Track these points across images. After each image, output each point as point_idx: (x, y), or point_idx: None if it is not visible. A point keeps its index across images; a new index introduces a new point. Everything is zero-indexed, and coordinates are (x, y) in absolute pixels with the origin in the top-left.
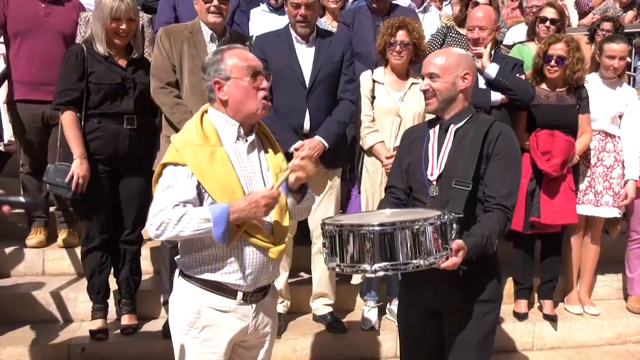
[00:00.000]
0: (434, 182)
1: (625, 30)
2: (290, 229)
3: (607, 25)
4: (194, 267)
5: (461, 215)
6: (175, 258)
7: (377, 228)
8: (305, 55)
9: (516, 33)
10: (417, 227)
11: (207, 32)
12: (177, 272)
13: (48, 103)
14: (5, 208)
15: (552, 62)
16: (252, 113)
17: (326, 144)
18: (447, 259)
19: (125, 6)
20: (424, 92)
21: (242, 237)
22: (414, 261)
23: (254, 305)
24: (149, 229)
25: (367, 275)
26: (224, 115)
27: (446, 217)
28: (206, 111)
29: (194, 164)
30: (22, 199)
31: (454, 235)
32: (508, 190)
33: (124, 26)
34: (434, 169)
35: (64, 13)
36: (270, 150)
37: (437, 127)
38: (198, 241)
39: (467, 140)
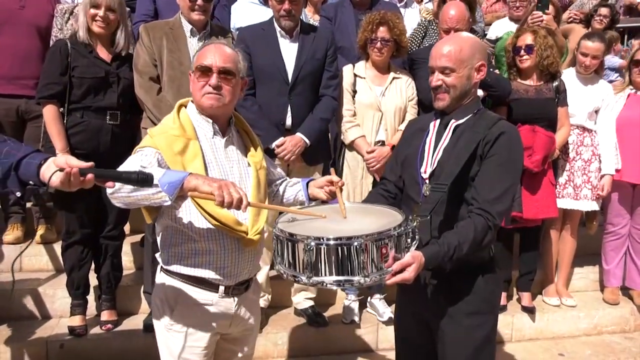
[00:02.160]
0: (427, 181)
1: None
2: (272, 221)
3: (604, 11)
4: (174, 262)
5: (427, 218)
6: (156, 255)
7: (312, 243)
8: (289, 51)
9: (500, 27)
10: (355, 243)
11: (187, 27)
12: (158, 268)
13: (22, 97)
14: (110, 183)
15: (522, 52)
16: (200, 106)
17: (307, 141)
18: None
19: None
20: (436, 87)
21: (216, 228)
22: (354, 278)
23: (235, 299)
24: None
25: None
26: (198, 110)
27: (402, 228)
28: (184, 105)
29: (166, 151)
30: (132, 175)
31: (413, 246)
32: (496, 195)
33: (101, 13)
34: (428, 167)
35: (39, 6)
36: (251, 147)
37: (438, 121)
38: (178, 236)
39: (463, 139)
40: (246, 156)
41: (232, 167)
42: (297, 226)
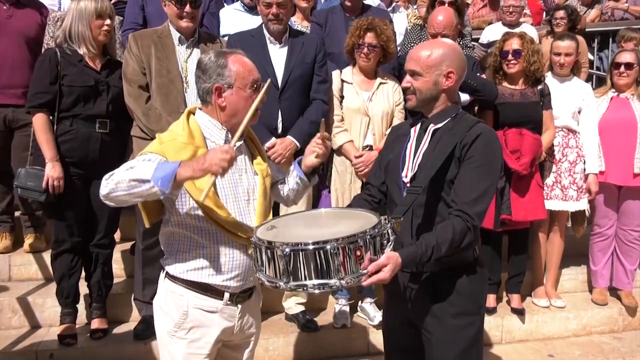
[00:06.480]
0: (408, 185)
1: (587, 30)
2: None
3: (560, 14)
4: (181, 269)
5: (401, 219)
6: (161, 260)
7: (287, 249)
8: (278, 56)
9: (492, 32)
10: (328, 247)
11: (175, 35)
12: (162, 274)
13: (10, 107)
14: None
15: (509, 57)
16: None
17: (298, 144)
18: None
19: (107, 4)
20: (405, 89)
21: (224, 235)
22: (330, 281)
23: (239, 306)
24: (101, 190)
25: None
26: (213, 119)
27: (376, 230)
28: (192, 112)
29: (174, 159)
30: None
31: (388, 247)
32: (474, 197)
33: (108, 22)
34: (409, 171)
35: (27, 16)
36: (257, 154)
37: (418, 125)
38: (185, 242)
39: (441, 142)
40: (253, 164)
41: (240, 176)
42: (274, 233)
